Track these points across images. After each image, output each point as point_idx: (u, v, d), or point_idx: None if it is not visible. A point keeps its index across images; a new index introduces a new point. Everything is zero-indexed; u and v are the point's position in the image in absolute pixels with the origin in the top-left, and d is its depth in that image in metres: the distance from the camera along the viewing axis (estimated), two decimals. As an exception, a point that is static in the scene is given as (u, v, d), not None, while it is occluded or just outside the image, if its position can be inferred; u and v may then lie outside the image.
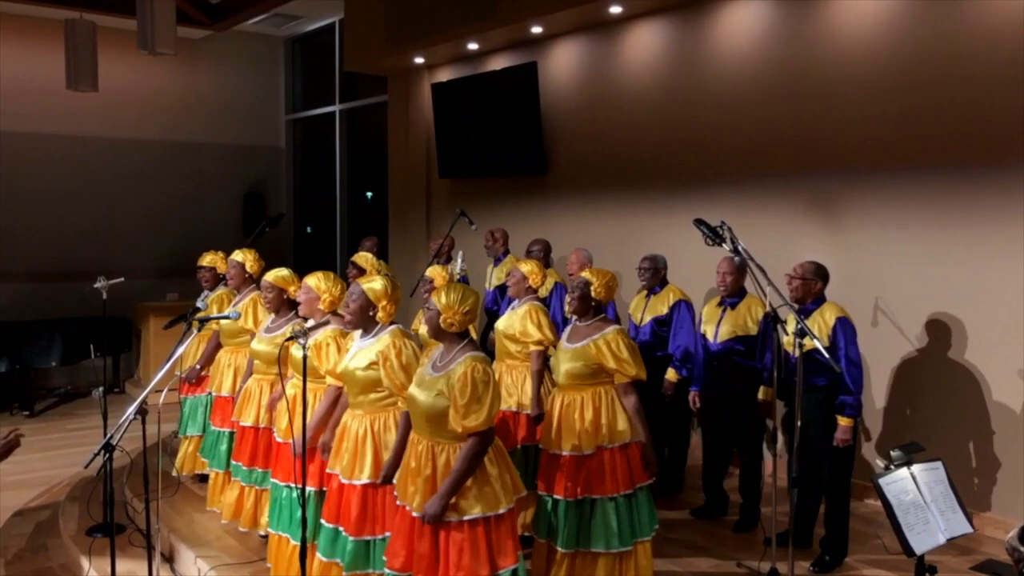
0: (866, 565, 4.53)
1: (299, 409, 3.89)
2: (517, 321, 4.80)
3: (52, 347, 9.09)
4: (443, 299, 3.30)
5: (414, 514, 3.26)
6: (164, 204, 10.73)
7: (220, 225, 10.84)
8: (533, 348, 4.75)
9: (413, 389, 3.35)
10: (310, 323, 4.10)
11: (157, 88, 10.62)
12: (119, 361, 9.71)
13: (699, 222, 4.18)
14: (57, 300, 9.66)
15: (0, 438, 4.00)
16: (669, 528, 5.04)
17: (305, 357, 3.49)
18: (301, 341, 3.44)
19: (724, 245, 4.03)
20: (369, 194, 11.13)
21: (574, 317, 4.12)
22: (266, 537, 4.52)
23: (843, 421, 4.34)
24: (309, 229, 12.06)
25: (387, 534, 3.59)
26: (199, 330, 4.34)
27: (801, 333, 3.82)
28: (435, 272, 5.24)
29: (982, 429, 5.07)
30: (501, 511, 3.24)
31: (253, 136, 11.56)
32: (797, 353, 3.97)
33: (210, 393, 5.66)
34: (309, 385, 3.84)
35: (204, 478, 5.69)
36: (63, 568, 5.13)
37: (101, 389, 5.58)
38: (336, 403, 4.02)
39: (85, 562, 4.79)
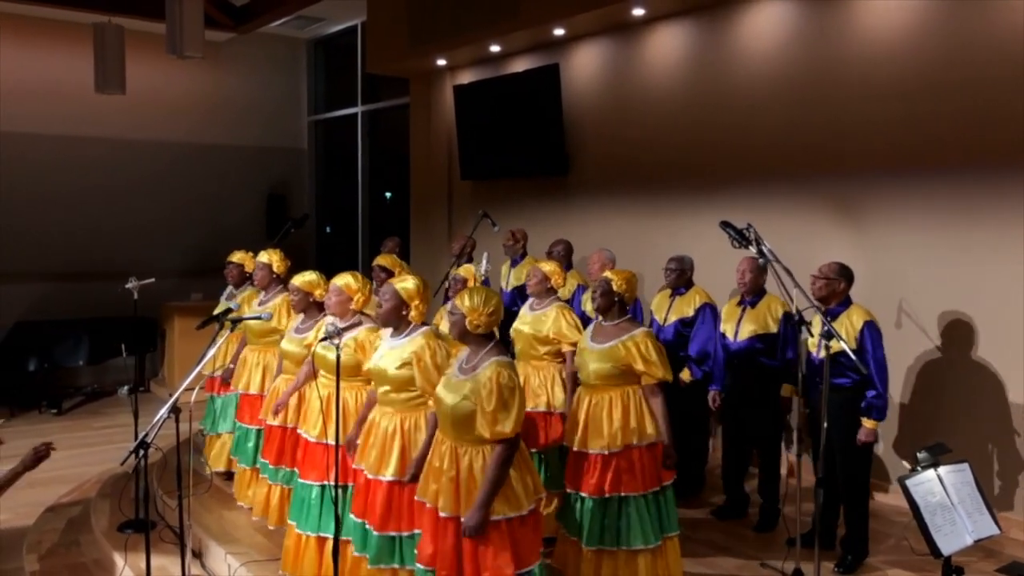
0: (888, 565, 4.55)
1: (333, 410, 3.94)
2: (549, 323, 4.77)
3: (79, 346, 9.23)
4: (467, 302, 3.33)
5: (441, 514, 3.30)
6: (188, 205, 10.85)
7: (243, 226, 10.93)
8: (567, 348, 4.74)
9: (440, 390, 3.38)
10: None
11: (182, 90, 10.74)
12: (144, 360, 9.83)
13: (725, 224, 4.19)
14: (83, 300, 9.79)
15: (31, 449, 4.10)
16: (691, 528, 5.06)
17: (339, 357, 3.54)
18: (335, 341, 3.50)
19: (750, 247, 4.04)
20: (388, 194, 11.20)
21: (598, 316, 4.15)
22: None
23: (868, 423, 4.35)
24: (328, 229, 12.15)
25: (415, 531, 3.65)
26: (231, 330, 4.40)
27: (828, 335, 3.83)
28: (468, 271, 5.25)
29: (1005, 430, 5.07)
30: (524, 512, 3.27)
31: (276, 138, 11.67)
32: (823, 355, 3.98)
33: (238, 392, 5.76)
34: (343, 384, 3.90)
35: (231, 475, 5.79)
36: (96, 564, 5.22)
37: (127, 388, 5.65)
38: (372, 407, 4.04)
39: (119, 558, 4.87)
